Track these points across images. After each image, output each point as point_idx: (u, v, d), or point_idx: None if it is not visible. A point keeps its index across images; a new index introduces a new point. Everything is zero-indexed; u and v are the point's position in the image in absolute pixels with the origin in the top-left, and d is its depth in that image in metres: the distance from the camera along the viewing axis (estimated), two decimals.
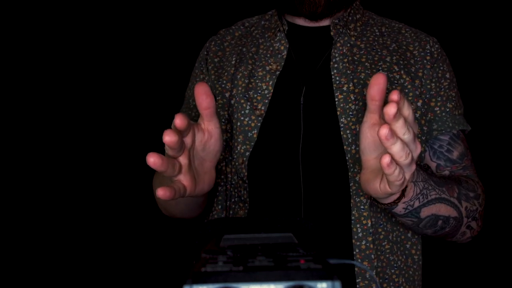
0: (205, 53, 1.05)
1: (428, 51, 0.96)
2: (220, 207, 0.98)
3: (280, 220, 0.60)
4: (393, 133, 0.54)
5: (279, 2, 0.97)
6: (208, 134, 0.67)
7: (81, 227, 2.01)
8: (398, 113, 0.54)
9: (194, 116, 1.01)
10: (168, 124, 1.04)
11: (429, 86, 0.93)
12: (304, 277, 0.36)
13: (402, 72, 0.93)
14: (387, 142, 0.54)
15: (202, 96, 0.63)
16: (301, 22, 0.99)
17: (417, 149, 0.59)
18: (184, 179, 0.65)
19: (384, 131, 0.53)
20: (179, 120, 0.58)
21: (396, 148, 0.55)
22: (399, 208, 0.75)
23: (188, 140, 0.64)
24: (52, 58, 2.02)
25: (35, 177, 2.01)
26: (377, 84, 0.57)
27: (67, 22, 2.02)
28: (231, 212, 0.96)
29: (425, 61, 0.95)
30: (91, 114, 2.03)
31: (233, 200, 0.95)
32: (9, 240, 1.99)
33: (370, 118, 0.62)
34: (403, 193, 0.71)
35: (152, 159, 0.57)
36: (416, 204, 0.76)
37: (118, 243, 2.02)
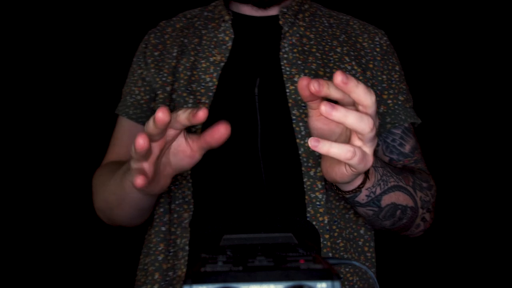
0: (144, 46, 0.99)
1: (377, 43, 0.95)
2: (162, 210, 0.90)
3: (280, 220, 0.60)
4: (333, 105, 0.54)
5: None
6: (190, 150, 0.66)
7: (81, 227, 2.01)
8: (328, 87, 0.55)
9: (131, 114, 0.96)
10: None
11: (380, 78, 0.92)
12: (304, 277, 0.36)
13: (353, 63, 0.91)
14: (333, 114, 0.53)
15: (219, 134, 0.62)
16: (248, 11, 0.95)
17: (375, 122, 0.57)
18: (147, 167, 0.62)
19: (322, 107, 0.53)
20: (161, 114, 0.56)
21: (351, 119, 0.54)
22: (362, 196, 0.73)
23: (172, 132, 0.62)
24: (52, 58, 2.02)
25: (35, 177, 2.01)
26: (300, 86, 0.57)
27: (67, 22, 2.02)
28: (175, 215, 0.88)
29: (375, 53, 0.94)
30: (91, 114, 2.03)
31: (177, 202, 0.88)
32: (9, 240, 1.99)
33: (313, 112, 0.62)
34: (367, 176, 0.70)
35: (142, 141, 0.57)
36: (378, 191, 0.75)
37: (118, 243, 2.02)
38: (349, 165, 0.59)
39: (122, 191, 0.76)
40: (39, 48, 2.01)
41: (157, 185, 0.66)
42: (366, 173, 0.70)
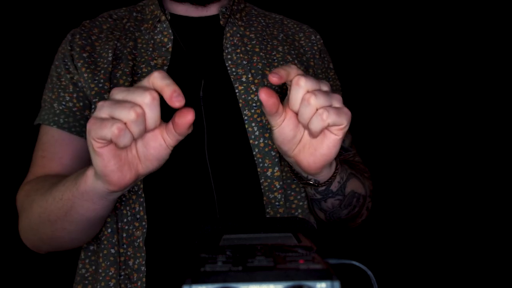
0: (69, 48, 0.89)
1: (314, 41, 0.97)
2: (110, 230, 0.81)
3: (280, 220, 0.60)
4: (279, 74, 0.57)
5: None
6: (160, 145, 0.58)
7: None
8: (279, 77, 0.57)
9: (62, 123, 0.87)
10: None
11: (321, 76, 0.94)
12: (304, 277, 0.36)
13: (296, 61, 0.92)
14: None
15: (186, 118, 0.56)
16: (184, 11, 0.91)
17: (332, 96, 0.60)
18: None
19: (270, 76, 0.57)
20: (181, 99, 0.53)
21: (314, 101, 0.58)
22: (335, 184, 0.76)
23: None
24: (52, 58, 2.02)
25: None
26: (264, 98, 0.58)
27: (67, 22, 2.02)
28: (124, 234, 0.81)
29: (313, 51, 0.96)
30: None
31: (125, 220, 0.81)
32: (9, 240, 1.99)
33: (277, 121, 0.62)
34: (338, 164, 0.73)
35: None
36: (344, 177, 0.77)
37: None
38: (332, 127, 0.60)
39: (74, 194, 0.67)
40: (39, 49, 2.01)
41: (122, 177, 0.58)
42: (337, 162, 0.72)
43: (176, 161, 0.75)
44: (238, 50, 0.89)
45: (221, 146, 0.83)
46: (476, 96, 1.98)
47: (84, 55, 0.88)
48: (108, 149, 0.55)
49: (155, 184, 0.80)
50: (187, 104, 0.69)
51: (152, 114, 0.54)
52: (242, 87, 0.85)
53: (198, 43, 0.90)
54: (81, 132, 0.86)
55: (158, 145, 0.58)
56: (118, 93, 0.56)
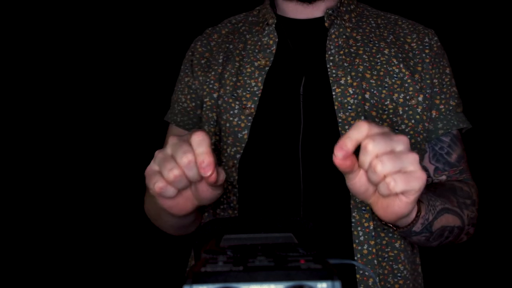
0: (190, 54, 1.00)
1: (427, 44, 0.92)
2: (207, 214, 0.91)
3: (280, 220, 0.60)
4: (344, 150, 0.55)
5: None
6: (208, 190, 0.63)
7: (81, 227, 2.01)
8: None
9: (179, 122, 0.97)
10: (166, 126, 1.04)
11: (428, 81, 0.89)
12: (304, 277, 0.36)
13: (401, 65, 0.88)
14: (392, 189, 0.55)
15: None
16: (292, 13, 0.94)
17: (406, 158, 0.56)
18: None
19: (334, 156, 0.55)
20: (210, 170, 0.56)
21: (380, 167, 0.55)
22: (418, 225, 0.72)
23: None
24: (52, 58, 2.02)
25: (35, 177, 2.01)
26: (338, 163, 0.57)
27: (67, 22, 2.02)
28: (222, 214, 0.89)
29: (424, 55, 0.91)
30: (91, 115, 2.03)
31: (221, 207, 0.88)
32: (9, 240, 1.98)
33: (351, 177, 0.61)
34: (419, 208, 0.69)
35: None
36: (430, 217, 0.74)
37: (118, 243, 2.02)
38: (403, 193, 0.57)
39: (156, 207, 0.78)
40: (39, 49, 2.01)
41: (179, 207, 0.64)
42: (419, 201, 0.69)
43: (270, 154, 0.84)
44: (342, 52, 0.89)
45: (315, 145, 0.84)
46: (477, 96, 1.98)
47: (202, 61, 0.96)
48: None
49: (249, 176, 0.86)
50: (287, 101, 0.81)
51: (191, 172, 0.58)
52: (340, 90, 0.85)
53: (302, 45, 0.92)
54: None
55: (206, 189, 0.63)
56: (170, 145, 0.60)
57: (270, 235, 0.54)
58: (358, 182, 0.60)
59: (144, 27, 2.03)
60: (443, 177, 0.91)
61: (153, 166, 0.60)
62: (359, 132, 0.55)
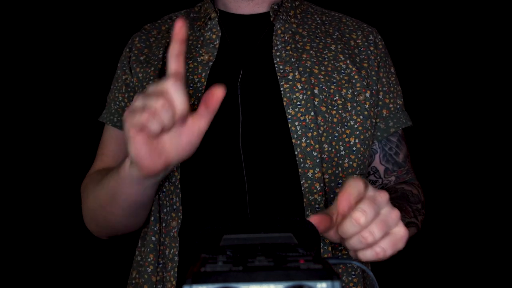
0: (128, 50, 0.96)
1: (371, 41, 0.92)
2: (153, 218, 0.87)
3: (280, 220, 0.60)
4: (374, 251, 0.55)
5: None
6: (191, 132, 0.60)
7: (81, 227, 2.01)
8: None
9: (116, 122, 0.94)
10: None
11: (374, 78, 0.89)
12: (304, 277, 0.36)
13: (348, 61, 0.88)
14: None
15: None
16: (235, 9, 0.92)
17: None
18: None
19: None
20: (181, 23, 0.55)
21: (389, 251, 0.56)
22: None
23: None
24: (52, 58, 2.02)
25: (35, 177, 2.01)
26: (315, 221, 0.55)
27: (67, 22, 2.02)
28: (163, 224, 0.85)
29: (369, 52, 0.91)
30: (91, 115, 2.03)
31: (165, 210, 0.85)
32: (9, 240, 1.99)
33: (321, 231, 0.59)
34: None
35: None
36: None
37: (118, 243, 2.02)
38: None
39: (116, 181, 0.72)
40: (38, 49, 2.01)
41: (151, 160, 0.60)
42: None
43: (210, 152, 0.80)
44: (288, 47, 0.88)
45: (258, 140, 0.82)
46: (476, 96, 1.98)
47: (141, 57, 0.93)
48: (141, 136, 0.57)
49: (190, 176, 0.83)
50: (227, 96, 0.72)
51: (178, 96, 0.56)
52: (288, 85, 0.84)
53: (246, 40, 0.90)
54: None
55: (189, 131, 0.60)
56: (150, 87, 0.59)
57: (269, 235, 0.54)
58: (333, 236, 0.60)
59: (81, 25, 2.01)
60: (393, 178, 0.93)
61: (134, 104, 0.58)
62: (358, 192, 0.55)
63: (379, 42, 0.94)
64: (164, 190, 0.85)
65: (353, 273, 0.85)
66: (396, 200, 0.83)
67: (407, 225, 0.79)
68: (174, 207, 0.84)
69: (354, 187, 0.54)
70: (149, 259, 0.85)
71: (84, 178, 0.96)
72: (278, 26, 0.89)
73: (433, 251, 1.99)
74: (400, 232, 0.57)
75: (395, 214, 0.57)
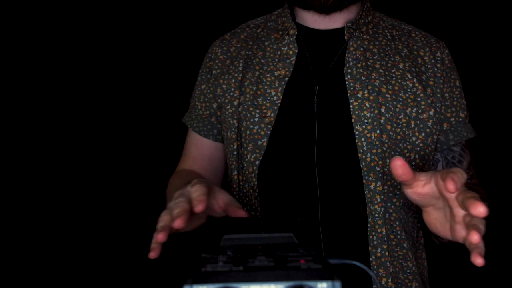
0: (208, 60, 1.02)
1: (438, 58, 0.95)
2: None
3: (280, 220, 0.60)
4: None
5: None
6: (218, 208, 0.69)
7: (81, 227, 2.01)
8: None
9: (195, 127, 1.01)
10: (167, 127, 1.04)
11: (439, 95, 0.93)
12: (304, 277, 0.36)
13: (415, 80, 0.92)
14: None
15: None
16: (311, 23, 0.95)
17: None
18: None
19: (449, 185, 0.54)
20: (179, 222, 0.60)
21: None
22: None
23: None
24: (52, 58, 2.02)
25: (35, 177, 2.01)
26: (398, 171, 0.58)
27: (67, 22, 2.02)
28: None
29: (435, 69, 0.94)
30: (91, 115, 2.03)
31: (245, 208, 0.90)
32: (9, 240, 1.98)
33: (407, 188, 0.62)
34: None
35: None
36: None
37: (118, 243, 2.02)
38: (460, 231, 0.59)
39: None
40: (39, 49, 2.01)
41: (189, 228, 0.68)
42: None
43: (287, 161, 0.89)
44: (359, 65, 0.91)
45: (330, 154, 0.88)
46: (477, 96, 1.98)
47: (224, 69, 0.98)
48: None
49: (268, 181, 0.90)
50: (299, 115, 0.89)
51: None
52: (357, 103, 0.88)
53: (321, 56, 0.93)
54: (208, 135, 1.01)
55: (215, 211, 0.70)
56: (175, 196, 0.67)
57: (270, 235, 0.54)
58: (418, 193, 0.62)
59: (155, 27, 2.03)
60: None
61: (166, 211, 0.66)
62: (461, 180, 0.56)
63: (446, 58, 0.96)
64: (245, 191, 0.93)
65: (408, 271, 0.91)
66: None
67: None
68: (253, 207, 0.92)
69: (462, 176, 0.56)
70: None
71: (174, 172, 1.05)
72: (351, 43, 0.93)
73: (432, 250, 1.99)
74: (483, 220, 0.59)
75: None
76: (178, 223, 0.59)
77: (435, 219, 0.63)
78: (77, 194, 2.02)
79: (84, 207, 2.02)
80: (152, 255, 0.59)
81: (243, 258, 0.40)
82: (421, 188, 0.60)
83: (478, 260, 0.52)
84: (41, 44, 2.01)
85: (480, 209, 0.51)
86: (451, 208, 0.59)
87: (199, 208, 0.61)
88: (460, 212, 0.58)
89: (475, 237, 0.52)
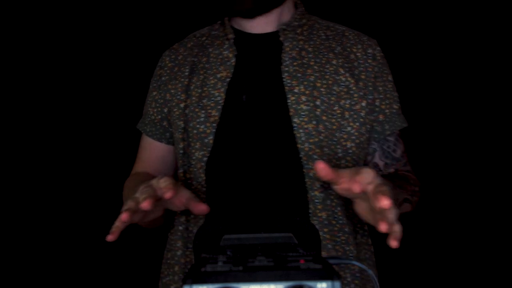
0: (159, 68, 1.10)
1: (370, 54, 1.03)
2: (180, 212, 1.01)
3: (280, 220, 0.60)
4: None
5: (214, 6, 1.02)
6: (179, 202, 0.77)
7: (81, 227, 2.01)
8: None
9: (148, 132, 1.08)
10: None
11: (371, 88, 1.00)
12: (304, 277, 0.36)
13: (348, 74, 0.99)
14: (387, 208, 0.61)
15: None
16: (249, 28, 1.03)
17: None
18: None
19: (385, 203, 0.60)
20: (125, 217, 0.66)
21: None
22: None
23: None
24: (52, 58, 2.02)
25: (35, 177, 2.01)
26: (318, 169, 0.66)
27: (67, 22, 2.02)
28: (192, 215, 0.99)
29: (367, 64, 1.02)
30: (92, 115, 2.03)
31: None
32: (9, 240, 1.99)
33: (336, 187, 0.69)
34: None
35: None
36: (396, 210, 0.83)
37: (117, 243, 2.02)
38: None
39: None
40: (39, 49, 2.01)
41: (148, 218, 0.75)
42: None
43: (233, 156, 0.95)
44: (295, 63, 0.99)
45: (270, 147, 0.95)
46: (476, 96, 1.99)
47: (172, 75, 1.06)
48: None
49: (215, 177, 0.96)
50: (239, 113, 0.96)
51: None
52: (294, 98, 0.96)
53: (259, 57, 1.02)
54: (161, 139, 1.08)
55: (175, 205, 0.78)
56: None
57: (270, 235, 0.54)
58: (344, 188, 0.69)
59: (156, 28, 2.03)
60: (392, 170, 1.04)
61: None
62: (366, 179, 0.65)
63: (378, 54, 1.04)
64: (192, 189, 0.97)
65: (351, 255, 0.98)
66: (398, 179, 0.94)
67: (404, 201, 0.90)
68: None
69: (368, 175, 0.65)
70: (178, 245, 1.00)
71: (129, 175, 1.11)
72: (286, 44, 1.01)
73: (432, 250, 1.99)
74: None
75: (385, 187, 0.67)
76: (145, 204, 0.65)
77: (362, 209, 0.70)
78: (76, 194, 2.03)
79: (83, 207, 2.02)
80: (111, 237, 0.65)
81: (243, 258, 0.40)
82: (346, 184, 0.67)
83: (393, 243, 0.58)
84: (41, 44, 2.01)
85: (384, 202, 0.58)
86: (370, 200, 0.66)
87: (168, 194, 0.67)
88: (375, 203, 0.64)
89: (385, 203, 0.59)
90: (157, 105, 1.07)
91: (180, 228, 1.00)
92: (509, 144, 1.95)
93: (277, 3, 1.00)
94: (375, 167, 1.03)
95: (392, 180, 0.87)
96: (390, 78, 1.04)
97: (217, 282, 0.36)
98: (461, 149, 2.00)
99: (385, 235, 0.60)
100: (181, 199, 0.77)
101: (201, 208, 0.75)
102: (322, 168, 0.66)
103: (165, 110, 1.06)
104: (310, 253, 0.42)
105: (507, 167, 1.96)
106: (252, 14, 0.99)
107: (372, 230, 1.01)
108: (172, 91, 1.04)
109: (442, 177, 1.99)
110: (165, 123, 1.07)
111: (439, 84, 2.02)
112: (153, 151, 1.10)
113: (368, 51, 1.03)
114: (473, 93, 1.99)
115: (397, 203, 0.81)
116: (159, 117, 1.07)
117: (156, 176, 1.05)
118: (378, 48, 1.04)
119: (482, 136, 1.98)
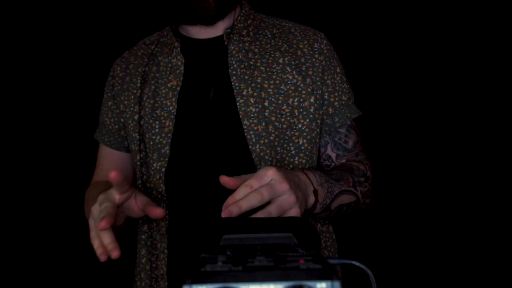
0: (111, 78, 1.09)
1: (316, 49, 1.02)
2: (140, 221, 1.04)
3: (280, 220, 0.60)
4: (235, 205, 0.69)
5: (172, 15, 0.99)
6: (136, 208, 0.83)
7: (80, 227, 2.01)
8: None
9: (106, 141, 1.09)
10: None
11: (319, 83, 1.00)
12: (304, 277, 0.36)
13: (294, 72, 0.99)
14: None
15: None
16: (195, 34, 1.03)
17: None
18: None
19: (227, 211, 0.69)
20: (114, 175, 0.73)
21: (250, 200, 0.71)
22: (317, 209, 0.86)
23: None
24: (52, 58, 2.02)
25: (35, 177, 2.01)
26: (228, 186, 0.74)
27: (67, 22, 2.02)
28: (154, 224, 1.01)
29: (314, 59, 1.01)
30: (91, 115, 2.03)
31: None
32: (9, 240, 1.99)
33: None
34: (316, 198, 0.82)
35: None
36: (327, 202, 0.87)
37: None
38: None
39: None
40: (39, 49, 2.01)
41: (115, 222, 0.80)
42: (316, 196, 0.82)
43: (189, 164, 0.97)
44: (242, 66, 0.99)
45: (224, 150, 0.96)
46: (476, 96, 1.99)
47: (124, 85, 1.06)
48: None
49: (174, 186, 0.98)
50: (195, 122, 0.98)
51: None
52: (243, 100, 0.97)
53: (207, 63, 1.01)
54: (120, 148, 1.08)
55: (134, 211, 0.86)
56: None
57: (269, 235, 0.54)
58: None
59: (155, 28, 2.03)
60: (344, 160, 1.05)
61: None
62: (262, 181, 0.72)
63: (324, 48, 1.03)
64: (152, 198, 0.99)
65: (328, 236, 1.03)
66: (340, 174, 0.95)
67: (342, 192, 0.92)
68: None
69: (267, 178, 0.73)
70: (142, 253, 1.03)
71: (89, 185, 1.12)
72: (232, 47, 1.00)
73: (431, 250, 1.99)
74: (286, 199, 0.72)
75: (283, 185, 0.72)
76: (103, 225, 0.73)
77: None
78: (76, 194, 2.03)
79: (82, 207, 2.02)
80: (115, 254, 0.74)
81: (242, 258, 0.40)
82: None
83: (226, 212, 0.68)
84: (41, 44, 2.01)
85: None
86: None
87: (104, 227, 0.73)
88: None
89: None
90: (113, 115, 1.08)
91: (143, 237, 1.03)
92: (509, 144, 1.95)
93: (233, 6, 1.00)
94: (328, 158, 1.04)
95: (330, 173, 0.91)
96: (338, 70, 1.04)
97: (217, 282, 0.36)
98: (456, 147, 2.00)
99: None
100: (139, 205, 0.81)
101: (157, 212, 0.79)
102: (225, 182, 0.73)
103: (122, 120, 1.06)
104: (309, 253, 0.42)
105: (502, 166, 1.96)
106: (214, 20, 0.99)
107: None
108: (126, 102, 1.04)
109: (442, 177, 1.99)
110: (122, 132, 1.07)
111: (438, 83, 2.02)
112: (112, 160, 1.10)
113: (314, 46, 1.02)
114: (473, 92, 1.99)
115: (330, 196, 0.87)
116: (117, 126, 1.08)
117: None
118: (325, 41, 1.03)
119: (482, 135, 1.98)
